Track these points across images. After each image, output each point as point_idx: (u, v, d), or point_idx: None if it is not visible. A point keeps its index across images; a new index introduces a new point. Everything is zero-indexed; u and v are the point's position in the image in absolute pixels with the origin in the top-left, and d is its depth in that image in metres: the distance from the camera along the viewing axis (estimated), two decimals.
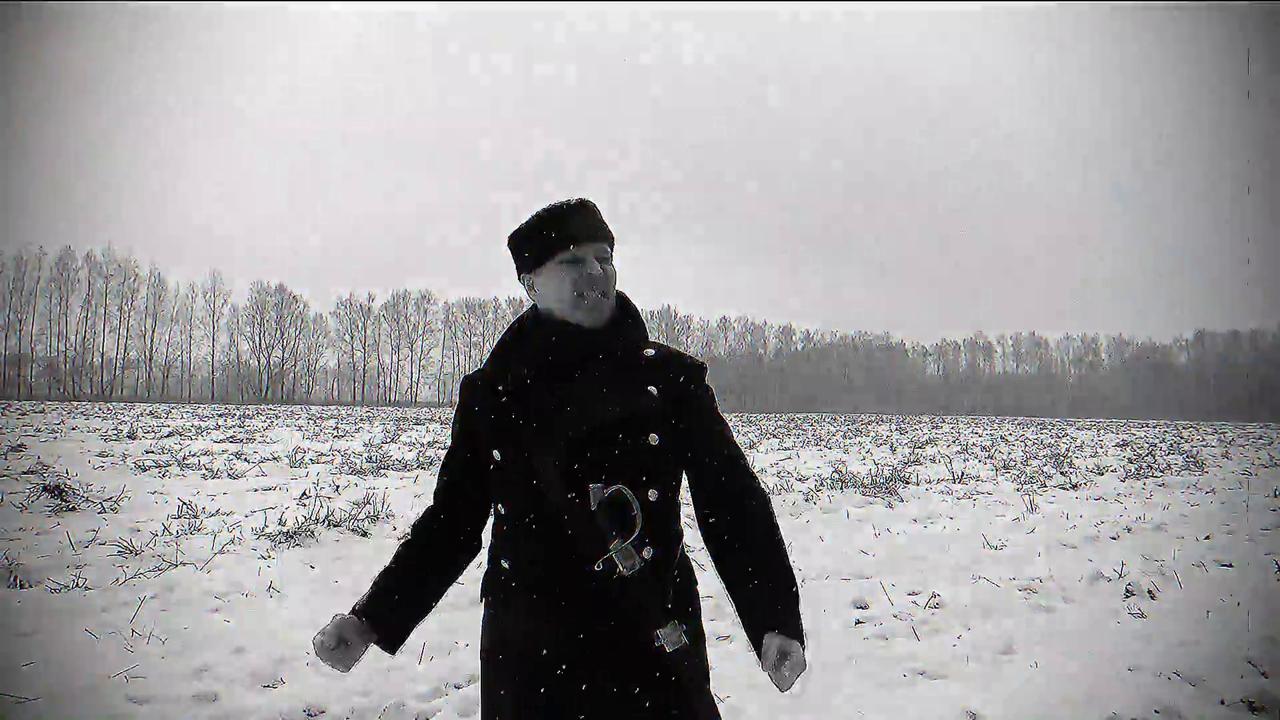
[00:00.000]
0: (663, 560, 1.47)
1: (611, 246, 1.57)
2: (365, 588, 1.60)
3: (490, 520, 1.59)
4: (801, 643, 1.38)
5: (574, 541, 1.41)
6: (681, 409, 1.51)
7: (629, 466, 1.44)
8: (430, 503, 1.64)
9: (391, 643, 1.56)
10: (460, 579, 1.65)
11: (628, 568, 1.38)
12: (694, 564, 1.61)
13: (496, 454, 1.50)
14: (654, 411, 1.48)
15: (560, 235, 1.51)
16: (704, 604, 1.61)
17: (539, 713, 1.42)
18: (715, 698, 1.51)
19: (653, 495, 1.46)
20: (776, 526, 1.52)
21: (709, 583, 1.74)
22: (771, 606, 1.43)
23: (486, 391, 1.55)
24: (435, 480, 1.63)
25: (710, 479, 1.52)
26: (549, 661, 1.43)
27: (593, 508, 1.40)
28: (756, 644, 1.40)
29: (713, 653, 1.61)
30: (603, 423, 1.44)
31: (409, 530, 1.64)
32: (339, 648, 1.49)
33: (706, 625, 1.59)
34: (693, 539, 1.65)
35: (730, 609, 4.70)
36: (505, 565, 1.50)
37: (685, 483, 1.58)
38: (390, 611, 1.55)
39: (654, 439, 1.46)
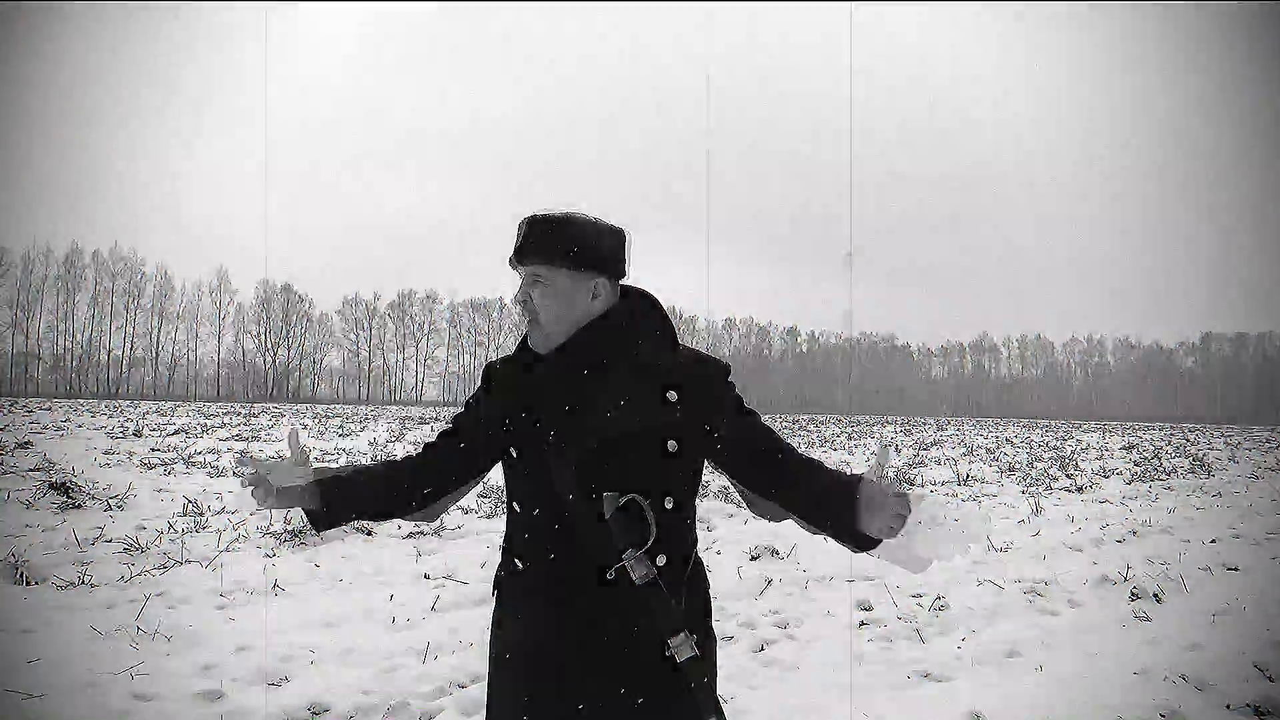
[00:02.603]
0: (677, 568, 1.46)
1: (550, 261, 1.48)
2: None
3: (505, 517, 1.59)
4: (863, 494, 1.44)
5: (588, 548, 1.41)
6: (711, 413, 1.49)
7: (647, 473, 1.43)
8: (431, 441, 1.62)
9: (318, 523, 1.58)
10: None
11: (640, 576, 1.38)
12: (705, 568, 1.60)
13: (514, 452, 1.49)
14: (675, 418, 1.46)
15: (511, 259, 1.53)
16: (712, 608, 1.60)
17: (547, 716, 1.42)
18: (719, 698, 1.50)
19: (669, 503, 1.45)
20: (826, 468, 1.53)
21: (711, 584, 1.73)
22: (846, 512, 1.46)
23: (509, 386, 1.53)
24: (437, 435, 1.64)
25: (770, 461, 1.52)
26: (559, 666, 1.42)
27: (605, 516, 1.39)
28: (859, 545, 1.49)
29: (717, 655, 1.61)
30: (622, 429, 1.42)
31: (401, 458, 1.63)
32: (275, 481, 1.53)
33: (713, 627, 1.59)
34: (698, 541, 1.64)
35: (732, 609, 4.68)
36: (519, 565, 1.49)
37: (698, 490, 1.57)
38: (330, 505, 1.56)
39: (673, 446, 1.45)
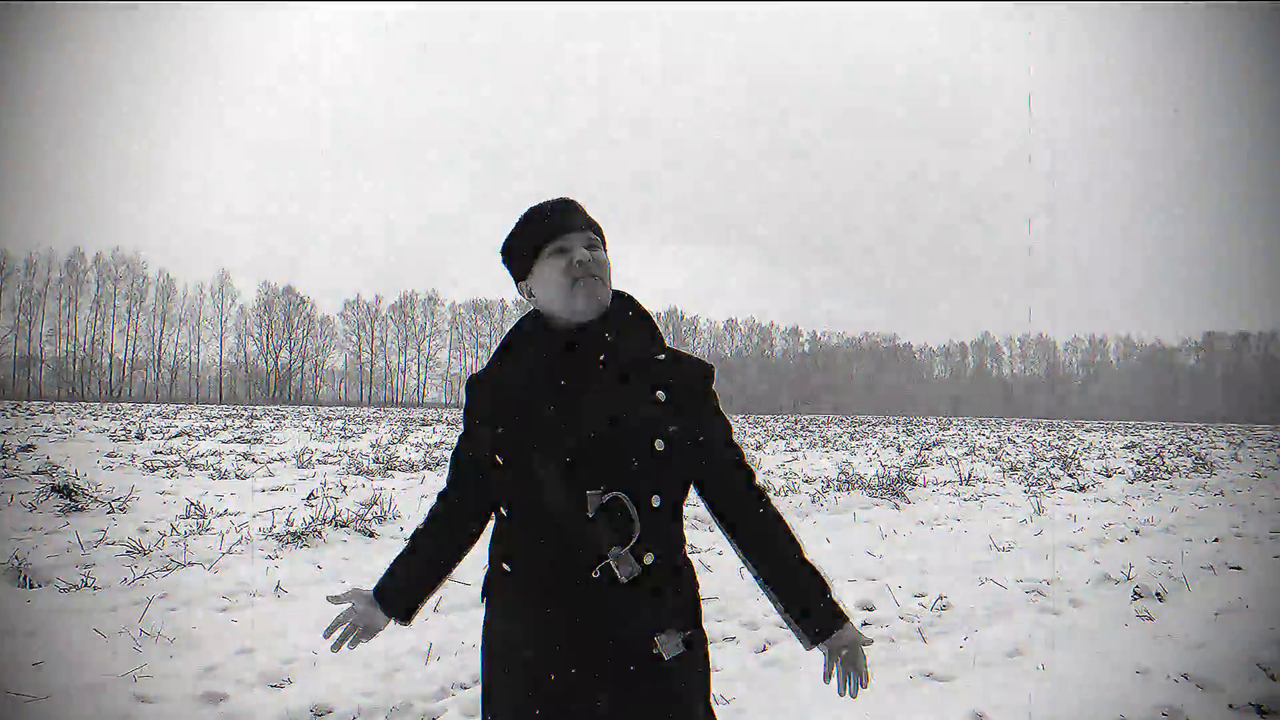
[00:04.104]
0: (664, 566, 1.46)
1: (599, 236, 1.56)
2: (369, 588, 1.67)
3: (493, 520, 1.60)
4: (844, 630, 1.51)
5: (573, 547, 1.41)
6: (690, 413, 1.50)
7: (633, 472, 1.43)
8: (443, 489, 1.69)
9: (406, 617, 1.69)
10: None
11: (625, 574, 1.38)
12: (697, 566, 1.60)
13: (498, 457, 1.48)
14: (662, 417, 1.46)
15: (543, 230, 1.51)
16: (707, 606, 1.61)
17: (535, 715, 1.43)
18: (720, 699, 1.51)
19: (656, 501, 1.45)
20: (781, 519, 1.56)
21: (713, 584, 1.74)
22: (808, 617, 1.51)
23: (490, 392, 1.54)
24: (448, 469, 1.69)
25: (719, 483, 1.54)
26: (548, 666, 1.42)
27: (590, 514, 1.40)
28: (802, 639, 1.53)
29: (717, 654, 1.61)
30: (608, 428, 1.43)
31: (427, 517, 1.71)
32: (361, 624, 1.69)
33: (713, 627, 1.60)
34: (697, 540, 1.64)
35: (733, 609, 4.65)
36: (506, 568, 1.50)
37: (687, 489, 1.57)
38: (402, 595, 1.69)
39: (660, 444, 1.45)
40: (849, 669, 1.51)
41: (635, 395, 1.47)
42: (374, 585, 1.71)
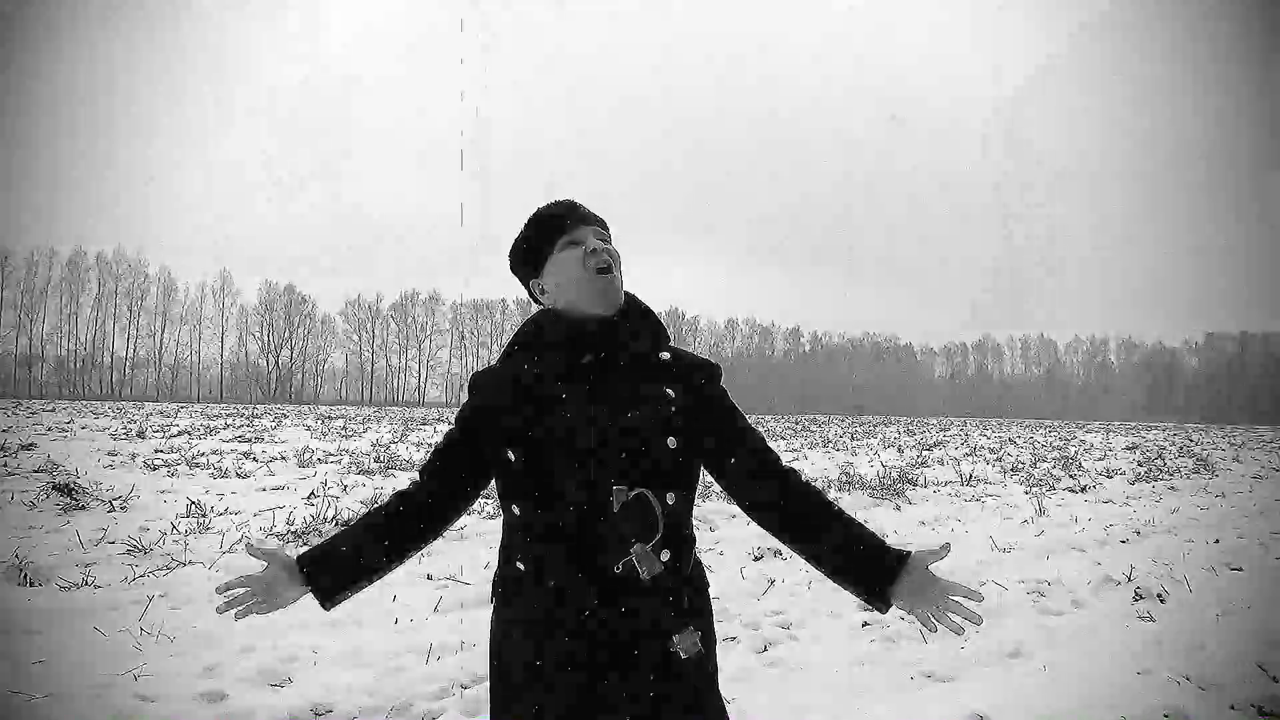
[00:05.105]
0: (680, 564, 1.46)
1: (607, 230, 1.60)
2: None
3: (502, 521, 1.59)
4: (911, 566, 1.47)
5: (593, 544, 1.40)
6: (702, 410, 1.51)
7: (649, 470, 1.43)
8: (416, 478, 1.61)
9: (328, 599, 1.55)
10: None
11: (647, 571, 1.38)
12: (704, 567, 1.60)
13: (511, 454, 1.47)
14: (673, 415, 1.47)
15: (554, 226, 1.54)
16: (712, 606, 1.60)
17: (552, 716, 1.42)
18: (724, 699, 1.50)
19: (670, 499, 1.45)
20: (821, 491, 1.55)
21: (713, 585, 1.73)
22: (876, 566, 1.48)
23: (501, 390, 1.52)
24: (426, 460, 1.61)
25: (752, 468, 1.53)
26: (563, 664, 1.42)
27: (615, 510, 1.39)
28: (876, 599, 1.49)
29: (720, 655, 1.61)
30: (624, 425, 1.43)
31: (389, 499, 1.60)
32: (263, 593, 1.53)
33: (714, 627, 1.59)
34: (698, 540, 1.64)
35: (734, 609, 4.67)
36: (520, 566, 1.48)
37: (696, 488, 1.57)
38: (334, 573, 1.55)
39: (672, 442, 1.45)
40: (931, 617, 1.49)
41: (650, 393, 1.48)
42: (303, 552, 1.56)
